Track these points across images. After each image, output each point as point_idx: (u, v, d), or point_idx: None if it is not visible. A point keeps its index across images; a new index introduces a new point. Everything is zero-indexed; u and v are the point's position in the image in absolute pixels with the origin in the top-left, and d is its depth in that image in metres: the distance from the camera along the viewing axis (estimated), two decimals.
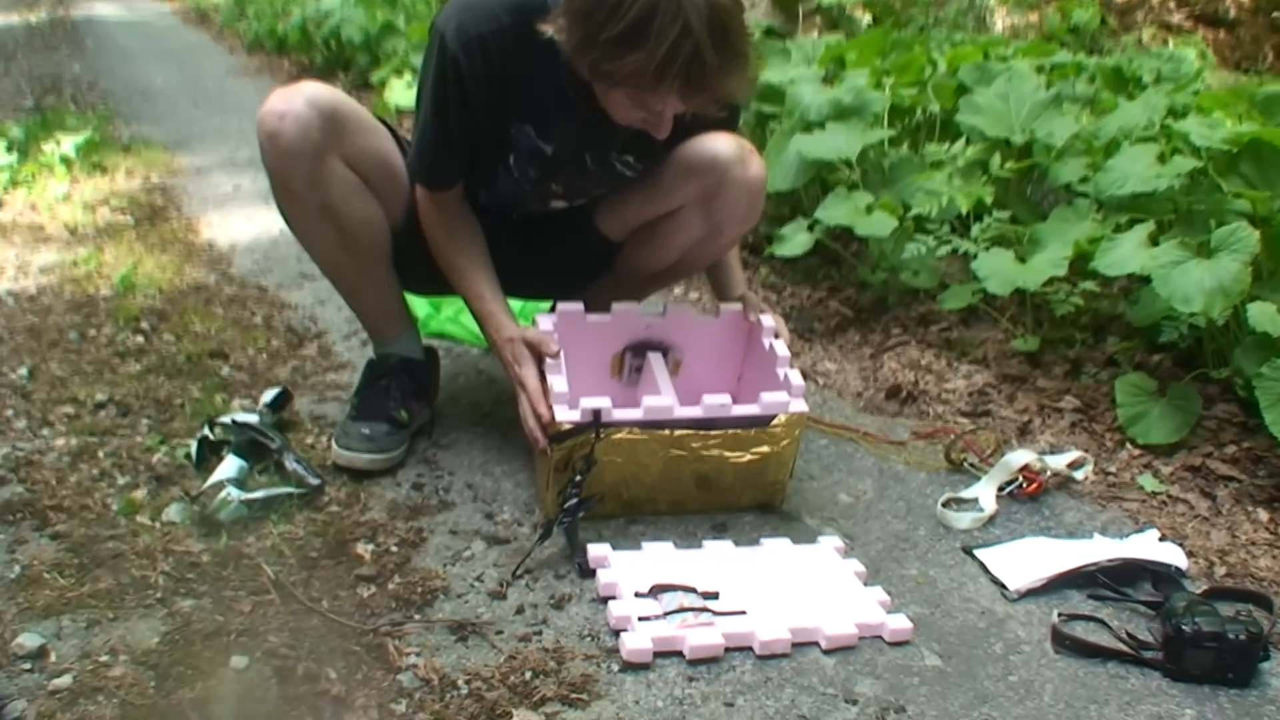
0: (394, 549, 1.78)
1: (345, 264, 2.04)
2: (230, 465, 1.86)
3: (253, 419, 2.01)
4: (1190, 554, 1.88)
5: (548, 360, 1.83)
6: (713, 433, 1.85)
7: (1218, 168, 2.25)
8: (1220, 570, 1.85)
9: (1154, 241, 2.25)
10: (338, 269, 2.07)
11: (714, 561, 1.76)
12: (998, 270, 2.39)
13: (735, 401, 2.12)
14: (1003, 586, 1.79)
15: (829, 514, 1.98)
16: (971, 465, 2.14)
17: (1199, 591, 1.76)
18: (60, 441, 2.02)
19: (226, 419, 2.01)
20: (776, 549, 1.82)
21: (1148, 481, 2.09)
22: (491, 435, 2.17)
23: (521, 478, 2.02)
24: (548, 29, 1.66)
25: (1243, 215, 2.22)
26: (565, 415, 1.77)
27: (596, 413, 1.78)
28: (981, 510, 1.99)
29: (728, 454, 1.87)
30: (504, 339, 1.92)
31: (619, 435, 1.81)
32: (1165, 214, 2.40)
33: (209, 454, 1.95)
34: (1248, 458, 2.13)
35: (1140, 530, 1.95)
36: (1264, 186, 2.15)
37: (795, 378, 1.89)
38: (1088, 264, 2.43)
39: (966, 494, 2.05)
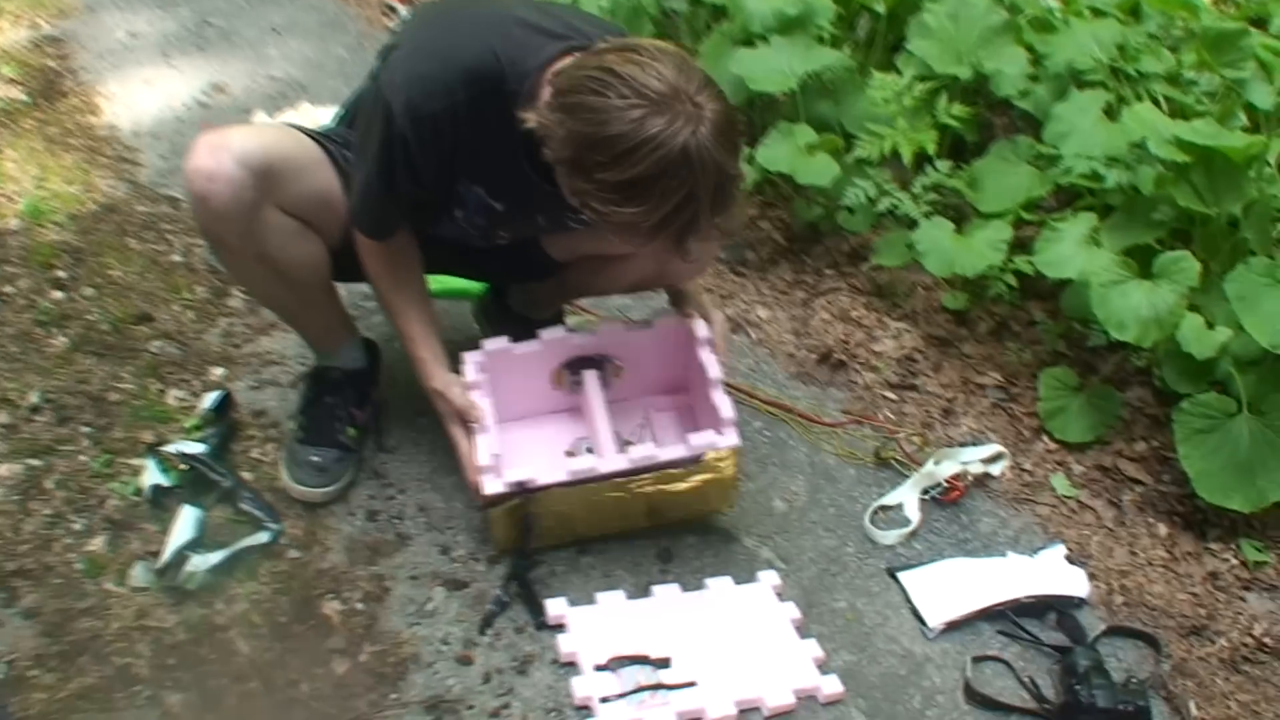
0: (359, 606, 1.86)
1: (283, 297, 1.97)
2: (188, 521, 1.88)
3: (200, 449, 2.01)
4: (1092, 576, 2.08)
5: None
6: (644, 476, 1.92)
7: (1168, 177, 2.27)
8: (1119, 599, 2.05)
9: (1096, 239, 2.29)
10: (275, 302, 2.01)
11: (664, 616, 1.89)
12: (937, 246, 2.41)
13: (688, 391, 2.18)
14: (922, 621, 1.97)
15: (765, 529, 2.10)
16: (898, 462, 2.26)
17: (1099, 631, 1.97)
18: (3, 469, 2.00)
19: (172, 449, 2.00)
20: (720, 593, 1.95)
21: (1059, 483, 2.25)
22: (435, 429, 2.18)
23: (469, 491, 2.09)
24: (531, 119, 1.55)
25: (1187, 211, 2.26)
26: (492, 488, 1.83)
27: (521, 484, 1.83)
28: (906, 523, 2.14)
29: (665, 487, 1.94)
30: (432, 389, 1.94)
31: (554, 492, 1.88)
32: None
33: (161, 497, 1.95)
34: (1155, 457, 2.29)
35: (1049, 545, 2.13)
36: (1212, 198, 2.19)
37: (725, 408, 1.91)
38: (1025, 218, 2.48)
39: (891, 499, 2.19)
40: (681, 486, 1.94)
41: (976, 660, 1.91)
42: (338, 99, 3.21)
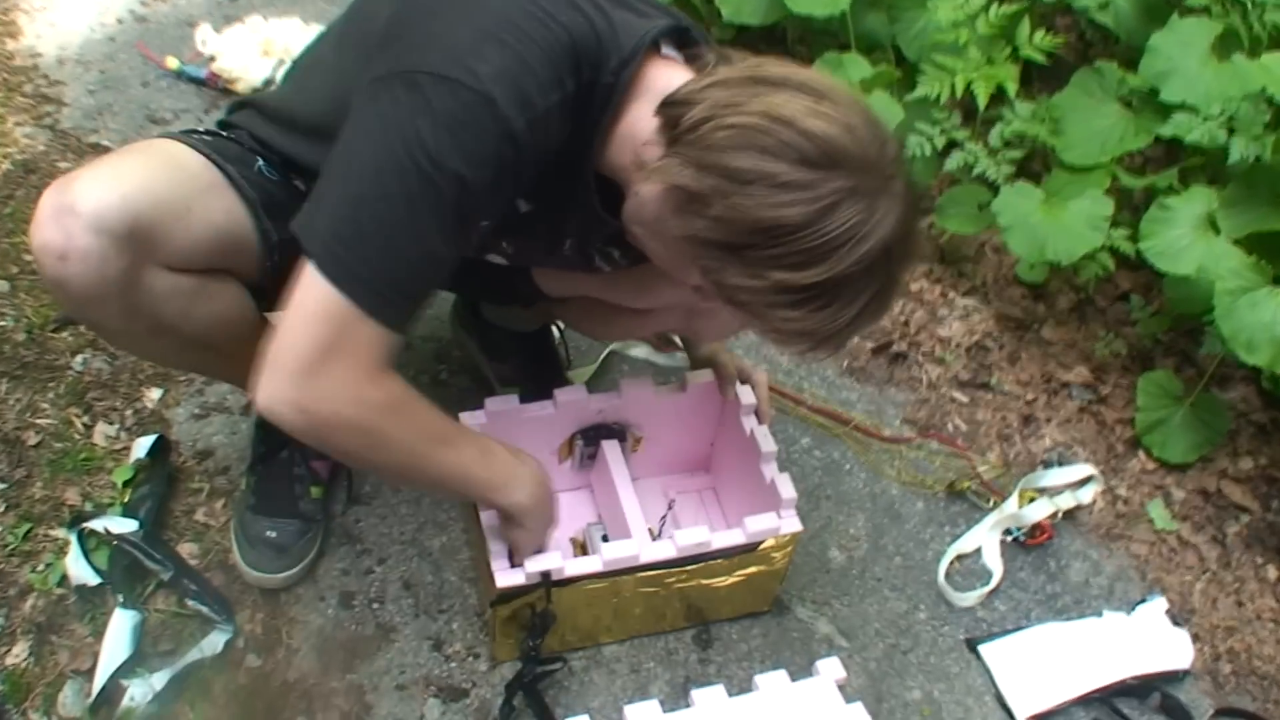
0: None
1: (202, 361, 1.55)
2: (121, 633, 1.53)
3: (131, 527, 1.64)
4: (1195, 637, 1.77)
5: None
6: (688, 568, 1.57)
7: None
8: (1225, 667, 1.74)
9: (1214, 224, 1.88)
10: (194, 367, 1.61)
11: None
12: (1023, 221, 1.99)
13: (708, 470, 1.83)
14: (1009, 712, 1.67)
15: (822, 591, 1.77)
16: (974, 492, 1.91)
17: (1207, 715, 1.68)
18: None
19: (99, 524, 1.63)
20: (773, 696, 1.62)
21: (1157, 513, 1.91)
22: None
23: (463, 559, 1.74)
24: (650, 184, 1.11)
25: None
26: (507, 580, 1.46)
27: (545, 575, 1.47)
28: (987, 576, 1.81)
29: (707, 581, 1.61)
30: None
31: (579, 588, 1.53)
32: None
33: (88, 595, 1.60)
34: (1263, 477, 1.95)
35: (1148, 597, 1.81)
36: None
37: (785, 487, 1.55)
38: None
39: (967, 544, 1.85)
40: (726, 581, 1.59)
41: None
42: (296, 4, 2.72)
